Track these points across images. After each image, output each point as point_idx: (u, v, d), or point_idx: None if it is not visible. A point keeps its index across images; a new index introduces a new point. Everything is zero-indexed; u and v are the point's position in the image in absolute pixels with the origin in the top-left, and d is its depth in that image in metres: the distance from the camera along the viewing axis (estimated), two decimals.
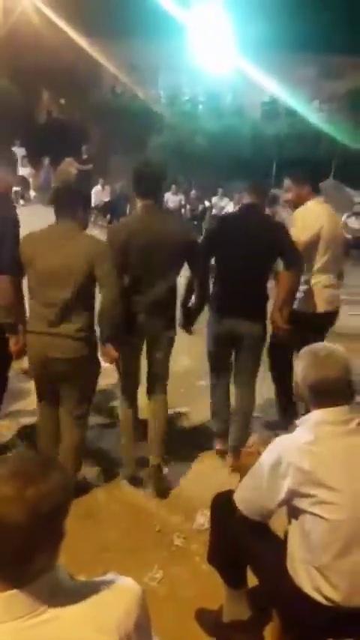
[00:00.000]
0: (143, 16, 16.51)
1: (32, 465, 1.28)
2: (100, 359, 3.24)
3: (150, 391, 3.54)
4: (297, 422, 2.11)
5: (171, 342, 3.48)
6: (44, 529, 1.21)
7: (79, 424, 3.26)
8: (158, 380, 3.52)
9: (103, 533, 3.11)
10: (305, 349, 2.11)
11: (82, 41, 17.02)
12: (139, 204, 3.32)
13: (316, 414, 2.03)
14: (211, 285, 3.67)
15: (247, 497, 2.12)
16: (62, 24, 16.76)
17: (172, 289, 3.40)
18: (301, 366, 2.09)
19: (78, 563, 2.49)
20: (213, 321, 3.65)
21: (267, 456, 2.03)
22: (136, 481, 3.51)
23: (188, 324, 3.72)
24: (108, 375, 3.96)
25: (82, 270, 2.96)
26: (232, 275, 3.53)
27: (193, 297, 3.62)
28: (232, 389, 3.82)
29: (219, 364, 3.78)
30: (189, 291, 3.57)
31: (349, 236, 12.47)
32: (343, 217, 12.64)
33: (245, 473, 2.19)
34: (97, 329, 3.16)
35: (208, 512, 2.65)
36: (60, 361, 3.04)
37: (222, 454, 3.83)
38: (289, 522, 2.05)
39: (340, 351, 2.07)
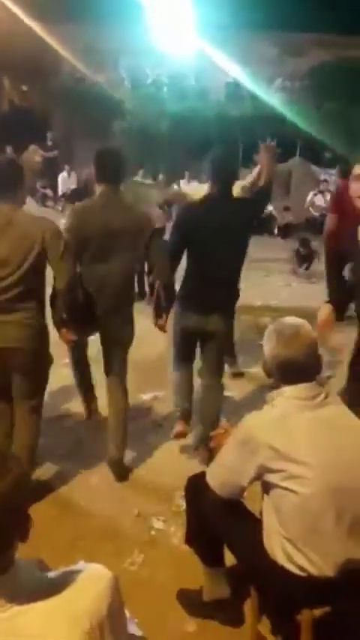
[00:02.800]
0: None
1: None
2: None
3: (109, 383, 3.51)
4: (266, 396, 2.13)
5: (129, 340, 3.46)
6: (6, 525, 1.20)
7: (34, 417, 3.15)
8: (117, 375, 3.48)
9: (82, 520, 3.12)
10: (271, 328, 2.13)
11: (39, 27, 16.69)
12: (97, 189, 3.30)
13: (284, 391, 2.05)
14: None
15: (218, 476, 2.15)
16: (17, 10, 16.40)
17: (129, 281, 3.37)
18: (268, 344, 2.10)
19: (57, 552, 2.50)
20: (180, 314, 3.57)
21: (236, 435, 2.07)
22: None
23: (160, 320, 3.51)
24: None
25: (32, 251, 2.84)
26: (205, 269, 3.46)
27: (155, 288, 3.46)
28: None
29: (184, 356, 3.74)
30: (151, 284, 3.50)
31: (316, 214, 12.59)
32: (309, 195, 12.74)
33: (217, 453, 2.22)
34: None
35: None
36: (11, 350, 2.93)
37: (180, 436, 3.75)
38: (263, 498, 2.08)
39: (305, 328, 2.09)
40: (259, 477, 2.00)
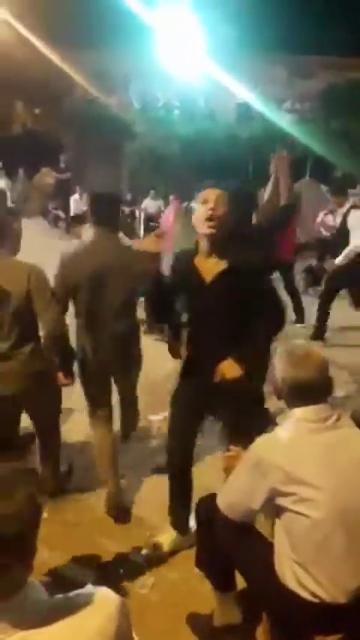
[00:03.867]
0: (110, 23, 16.55)
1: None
2: None
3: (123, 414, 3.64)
4: (277, 420, 2.13)
5: (136, 375, 3.53)
6: (12, 549, 1.19)
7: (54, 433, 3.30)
8: (130, 404, 3.65)
9: (93, 539, 3.09)
10: (281, 349, 2.13)
11: (51, 52, 17.02)
12: (93, 231, 3.21)
13: (296, 413, 2.04)
14: None
15: (229, 499, 2.14)
16: (30, 36, 16.74)
17: (132, 325, 3.30)
18: (279, 366, 2.10)
19: (68, 572, 2.48)
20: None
21: (247, 457, 2.06)
22: None
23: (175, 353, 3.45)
24: None
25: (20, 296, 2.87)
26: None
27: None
28: None
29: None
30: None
31: (326, 233, 12.58)
32: (320, 215, 12.74)
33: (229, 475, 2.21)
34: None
35: None
36: (11, 398, 2.99)
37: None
38: (274, 522, 2.07)
39: (316, 350, 2.10)
40: (270, 500, 1.98)
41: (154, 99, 19.08)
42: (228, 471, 2.30)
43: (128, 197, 14.61)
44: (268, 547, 2.09)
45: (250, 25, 17.03)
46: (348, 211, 6.31)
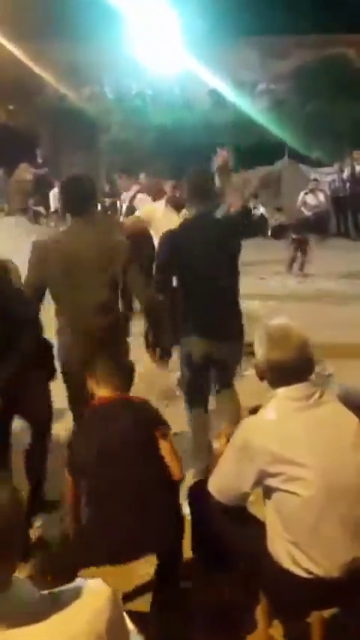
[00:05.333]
0: (82, 13, 16.33)
1: None
2: None
3: None
4: (263, 401, 2.12)
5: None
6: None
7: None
8: None
9: None
10: (261, 331, 2.12)
11: (21, 46, 16.81)
12: (68, 218, 3.13)
13: (279, 393, 2.04)
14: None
15: (220, 483, 2.14)
16: None
17: (113, 316, 3.12)
18: (259, 348, 2.10)
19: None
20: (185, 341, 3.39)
21: (234, 441, 2.07)
22: None
23: (165, 355, 3.33)
24: None
25: None
26: (199, 292, 3.30)
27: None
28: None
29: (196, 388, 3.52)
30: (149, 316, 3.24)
31: (308, 213, 12.60)
32: (301, 195, 12.75)
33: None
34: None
35: None
36: None
37: None
38: (264, 502, 2.07)
39: (295, 328, 2.09)
40: (259, 481, 1.99)
41: (127, 89, 18.91)
42: (218, 453, 2.30)
43: (107, 189, 14.47)
44: (260, 527, 2.11)
45: (220, 7, 16.88)
46: None
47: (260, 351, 2.08)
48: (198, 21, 16.87)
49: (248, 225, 3.36)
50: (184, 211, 3.93)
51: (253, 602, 2.37)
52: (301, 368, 2.03)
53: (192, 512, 2.45)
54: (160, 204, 3.94)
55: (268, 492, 2.01)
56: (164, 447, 2.32)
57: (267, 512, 2.06)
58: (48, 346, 3.13)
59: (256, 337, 2.13)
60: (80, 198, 3.09)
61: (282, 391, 2.04)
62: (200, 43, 16.49)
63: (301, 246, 9.89)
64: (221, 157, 3.91)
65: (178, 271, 3.37)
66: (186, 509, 2.85)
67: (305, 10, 18.06)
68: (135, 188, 6.86)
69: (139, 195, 6.60)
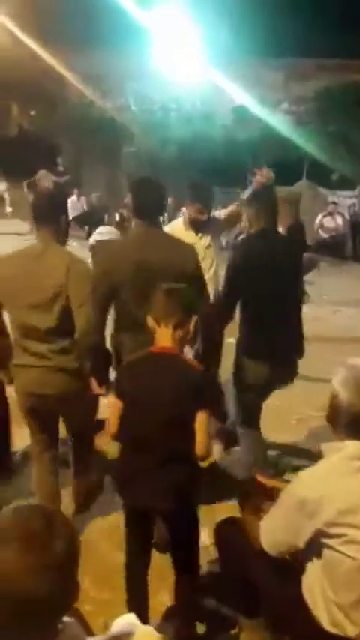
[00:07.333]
0: (107, 25, 16.52)
1: (38, 526, 1.14)
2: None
3: None
4: (322, 447, 1.96)
5: None
6: (60, 591, 1.12)
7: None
8: None
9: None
10: (348, 374, 1.91)
11: (46, 53, 16.98)
12: (134, 224, 2.99)
13: (347, 446, 1.87)
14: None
15: (273, 540, 2.00)
16: (26, 37, 16.70)
17: None
18: (343, 392, 1.89)
19: None
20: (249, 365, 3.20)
21: (292, 494, 1.91)
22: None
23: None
24: None
25: (61, 289, 2.65)
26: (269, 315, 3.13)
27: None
28: None
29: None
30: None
31: (325, 235, 12.61)
32: (319, 217, 12.77)
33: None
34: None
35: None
36: (46, 398, 2.77)
37: None
38: (307, 554, 1.94)
39: None
40: (315, 539, 1.85)
41: (150, 101, 19.06)
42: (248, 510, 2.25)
43: (127, 200, 14.55)
44: (293, 572, 2.00)
45: (245, 27, 17.04)
46: None
47: (346, 396, 1.88)
48: (224, 38, 17.03)
49: (305, 241, 3.23)
50: (204, 238, 3.86)
51: None
52: None
53: (221, 555, 2.37)
54: (179, 223, 3.84)
55: (317, 547, 1.87)
56: (200, 422, 2.19)
57: (311, 565, 1.94)
58: (108, 355, 2.98)
59: (339, 379, 1.92)
60: (153, 202, 2.93)
61: (352, 446, 1.85)
62: (225, 60, 16.62)
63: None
64: (267, 175, 3.74)
65: (243, 293, 3.15)
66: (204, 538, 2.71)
67: (328, 36, 18.20)
68: None
69: None
